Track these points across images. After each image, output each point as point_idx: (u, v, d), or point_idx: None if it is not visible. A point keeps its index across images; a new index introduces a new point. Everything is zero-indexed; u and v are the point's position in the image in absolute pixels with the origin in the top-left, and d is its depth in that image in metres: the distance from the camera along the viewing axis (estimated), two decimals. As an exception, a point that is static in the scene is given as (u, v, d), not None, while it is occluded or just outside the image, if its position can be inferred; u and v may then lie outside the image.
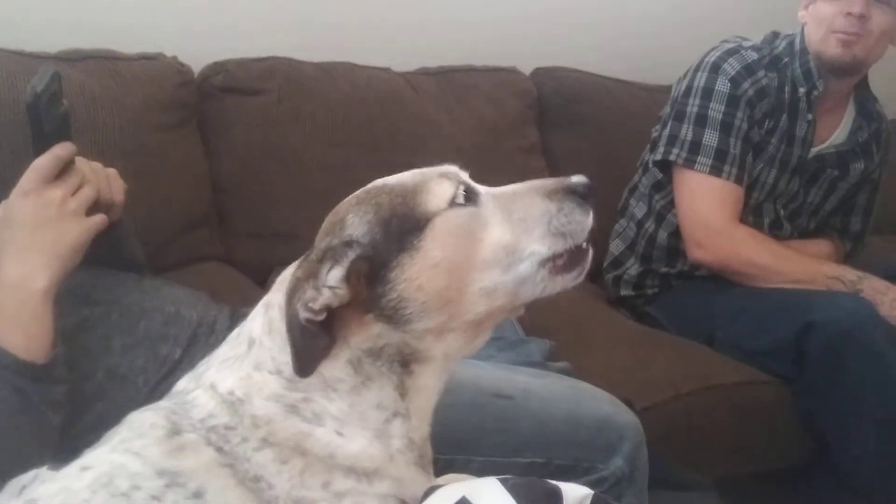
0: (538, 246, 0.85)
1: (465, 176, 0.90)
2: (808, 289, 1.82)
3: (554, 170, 2.45)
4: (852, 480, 1.72)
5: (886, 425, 1.64)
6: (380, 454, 0.83)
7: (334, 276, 0.80)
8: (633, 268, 2.16)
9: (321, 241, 0.84)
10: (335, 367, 0.83)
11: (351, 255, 0.81)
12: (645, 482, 1.27)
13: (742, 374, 1.78)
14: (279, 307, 0.85)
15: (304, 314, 0.80)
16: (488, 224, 0.85)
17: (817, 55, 1.93)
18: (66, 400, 1.06)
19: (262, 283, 1.97)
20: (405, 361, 0.85)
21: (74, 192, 1.09)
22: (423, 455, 0.89)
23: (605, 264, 2.24)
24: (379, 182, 0.88)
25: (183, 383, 0.90)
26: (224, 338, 1.25)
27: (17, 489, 0.82)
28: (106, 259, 1.22)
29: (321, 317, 0.80)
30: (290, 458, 0.82)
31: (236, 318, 1.34)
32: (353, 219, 0.84)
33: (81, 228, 1.09)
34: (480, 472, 0.90)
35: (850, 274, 1.83)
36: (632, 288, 2.17)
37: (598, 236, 2.25)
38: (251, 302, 1.54)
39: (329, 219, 0.88)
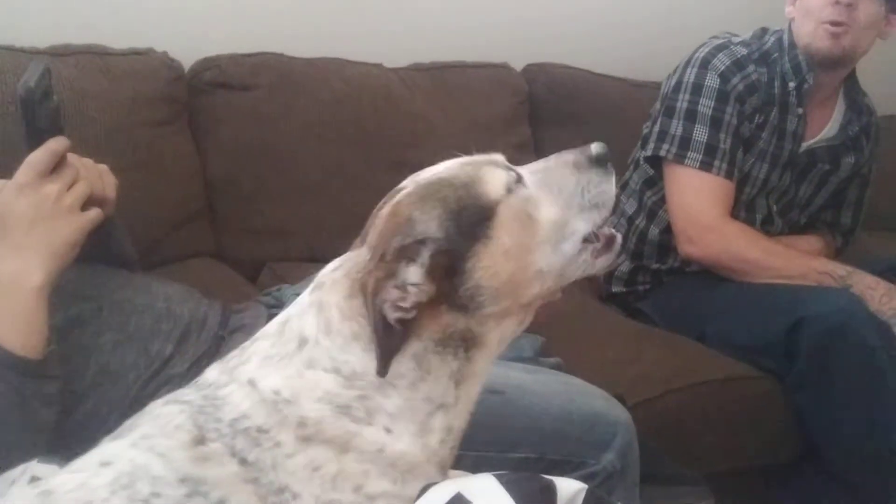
0: (579, 222, 0.89)
1: (504, 159, 0.91)
2: (798, 284, 1.83)
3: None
4: (843, 476, 1.72)
5: (877, 421, 1.65)
6: (420, 452, 0.84)
7: (417, 273, 0.81)
8: (624, 264, 2.16)
9: (389, 241, 0.83)
10: (400, 363, 0.83)
11: (428, 251, 0.82)
12: (636, 477, 1.28)
13: (733, 370, 1.78)
14: (339, 310, 0.84)
15: (394, 314, 0.80)
16: (539, 204, 0.88)
17: (807, 48, 1.93)
18: (59, 396, 1.06)
19: (254, 280, 1.97)
20: (467, 347, 0.86)
21: (69, 188, 1.08)
22: (453, 448, 0.89)
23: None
24: (428, 176, 0.88)
25: (213, 374, 0.87)
26: (216, 334, 1.26)
27: (8, 483, 0.82)
28: (97, 255, 1.21)
29: (412, 314, 0.81)
30: (325, 463, 0.80)
31: (228, 314, 1.34)
32: (420, 215, 0.84)
33: (77, 224, 1.08)
34: (474, 468, 0.90)
35: (839, 269, 1.84)
36: (623, 284, 2.17)
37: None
38: (243, 298, 1.55)
39: (389, 218, 0.86)
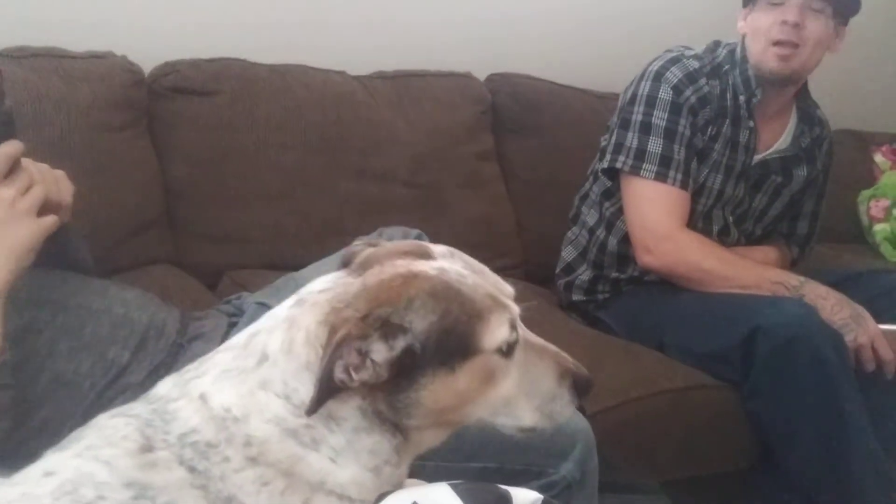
0: (527, 417, 0.91)
1: (517, 311, 0.91)
2: (754, 294, 1.86)
3: (508, 175, 2.47)
4: (797, 482, 1.75)
5: (830, 429, 1.67)
6: (371, 485, 0.85)
7: (382, 353, 0.81)
8: (584, 273, 2.18)
9: (381, 306, 0.82)
10: (343, 408, 0.84)
11: (404, 343, 0.82)
12: (595, 486, 1.28)
13: (691, 379, 1.80)
14: (306, 332, 0.84)
15: (340, 375, 0.80)
16: (507, 377, 0.89)
17: (756, 66, 1.98)
18: (11, 405, 1.04)
19: (213, 287, 1.95)
20: (400, 432, 0.88)
21: (24, 193, 1.06)
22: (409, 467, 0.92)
23: (557, 270, 2.26)
24: (455, 280, 0.86)
25: (165, 388, 0.87)
26: (175, 342, 1.25)
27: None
28: (53, 261, 1.19)
29: (354, 386, 0.81)
30: (273, 479, 0.81)
31: (187, 321, 1.33)
32: (420, 307, 0.83)
33: (33, 229, 1.06)
34: (432, 477, 0.90)
35: (792, 279, 1.87)
36: (583, 293, 2.19)
37: (552, 241, 2.30)
38: (202, 305, 1.53)
39: (396, 282, 0.85)
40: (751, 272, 1.92)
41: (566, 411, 0.93)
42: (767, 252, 2.16)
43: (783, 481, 1.78)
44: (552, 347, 0.94)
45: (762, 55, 1.95)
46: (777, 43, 1.92)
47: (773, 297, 1.83)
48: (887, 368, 1.76)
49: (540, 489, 0.84)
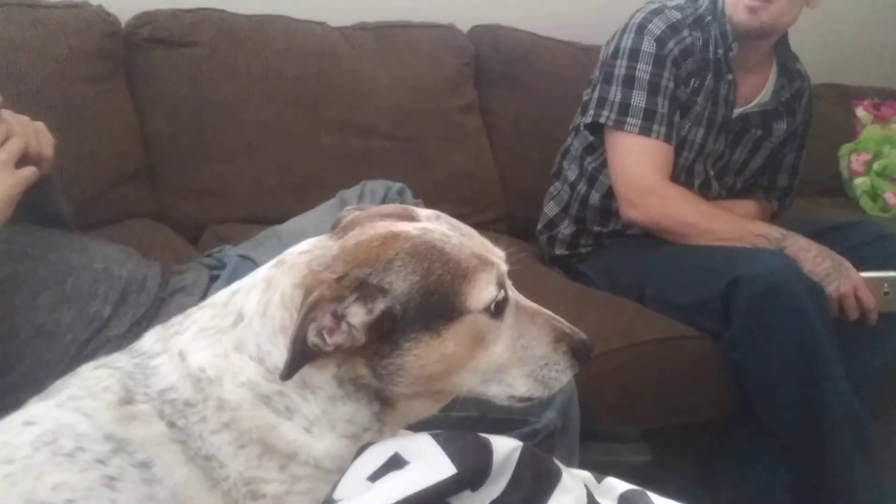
0: (520, 384, 0.88)
1: (505, 269, 0.88)
2: (735, 246, 1.87)
3: (491, 129, 2.46)
4: (774, 431, 1.78)
5: (806, 379, 1.70)
6: (347, 453, 0.82)
7: (359, 316, 0.79)
8: (567, 228, 2.19)
9: (358, 267, 0.80)
10: (318, 376, 0.82)
11: (383, 305, 0.79)
12: (576, 434, 1.30)
13: (671, 330, 1.82)
14: (281, 294, 0.83)
15: (314, 339, 0.78)
16: (498, 340, 0.86)
17: (730, 18, 1.97)
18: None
19: (195, 241, 1.94)
20: (380, 401, 0.86)
21: (2, 144, 1.05)
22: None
23: (539, 225, 2.26)
24: (439, 240, 0.83)
25: (149, 342, 0.87)
26: (156, 295, 1.25)
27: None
28: (32, 215, 1.18)
29: (329, 351, 0.79)
30: (249, 444, 0.81)
31: (168, 275, 1.32)
32: (400, 267, 0.80)
33: (11, 182, 1.05)
34: (414, 427, 0.91)
35: (774, 232, 1.88)
36: (566, 247, 2.20)
37: (535, 195, 2.29)
38: (184, 259, 1.52)
39: (375, 243, 0.82)
40: (734, 225, 1.93)
41: (562, 377, 0.89)
42: (748, 205, 2.18)
43: (762, 431, 1.81)
44: (546, 311, 0.91)
45: (734, 7, 1.94)
46: None
47: (753, 249, 1.85)
48: (870, 315, 1.78)
49: (522, 437, 0.85)
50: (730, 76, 2.01)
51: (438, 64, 2.35)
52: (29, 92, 1.73)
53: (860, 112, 3.22)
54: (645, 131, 1.95)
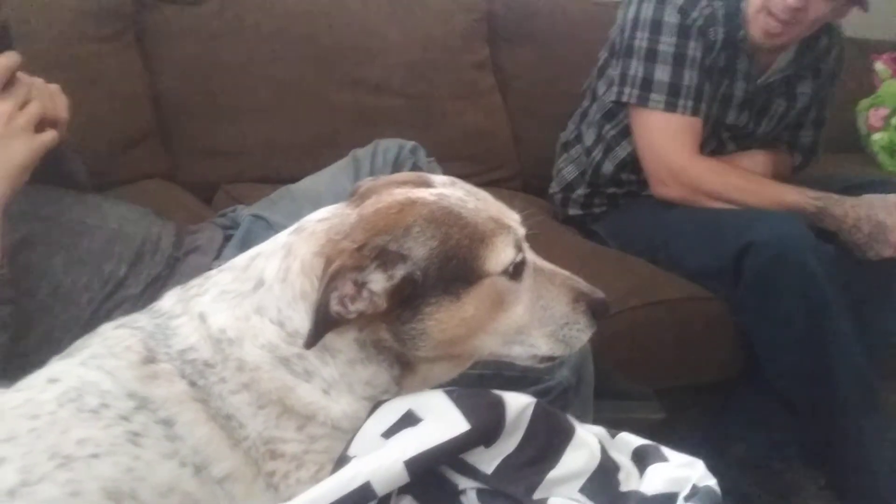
0: (541, 343, 0.89)
1: (522, 233, 0.89)
2: (747, 210, 1.84)
3: (504, 86, 2.43)
4: (783, 393, 1.79)
5: (813, 343, 1.69)
6: (364, 414, 0.83)
7: (380, 283, 0.80)
8: (581, 188, 2.17)
9: (378, 235, 0.81)
10: (339, 340, 0.83)
11: (404, 270, 0.80)
12: (590, 392, 1.31)
13: (683, 291, 1.82)
14: (301, 262, 0.84)
15: (336, 307, 0.79)
16: (517, 301, 0.86)
17: (745, 20, 1.90)
18: (10, 320, 1.04)
19: (208, 201, 1.95)
20: (401, 364, 0.87)
21: (21, 108, 1.04)
22: None
23: (556, 187, 2.23)
24: (456, 205, 0.84)
25: (169, 302, 0.88)
26: (171, 255, 1.25)
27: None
28: (47, 176, 1.18)
29: (352, 317, 0.80)
30: (268, 404, 0.82)
31: (182, 235, 1.33)
32: (418, 233, 0.81)
33: (31, 145, 1.05)
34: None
35: (810, 205, 1.83)
36: (580, 207, 2.18)
37: (548, 153, 2.28)
38: (198, 220, 1.53)
39: (393, 210, 0.83)
40: (768, 198, 1.87)
41: (583, 336, 0.90)
42: (756, 158, 2.09)
43: (769, 392, 1.81)
44: (564, 272, 0.92)
45: (754, 17, 1.88)
46: (772, 15, 1.84)
47: (765, 212, 1.81)
48: None
49: (536, 394, 0.85)
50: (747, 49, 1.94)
51: (450, 20, 2.33)
52: (37, 52, 1.71)
53: (878, 66, 3.16)
54: (671, 107, 1.91)
